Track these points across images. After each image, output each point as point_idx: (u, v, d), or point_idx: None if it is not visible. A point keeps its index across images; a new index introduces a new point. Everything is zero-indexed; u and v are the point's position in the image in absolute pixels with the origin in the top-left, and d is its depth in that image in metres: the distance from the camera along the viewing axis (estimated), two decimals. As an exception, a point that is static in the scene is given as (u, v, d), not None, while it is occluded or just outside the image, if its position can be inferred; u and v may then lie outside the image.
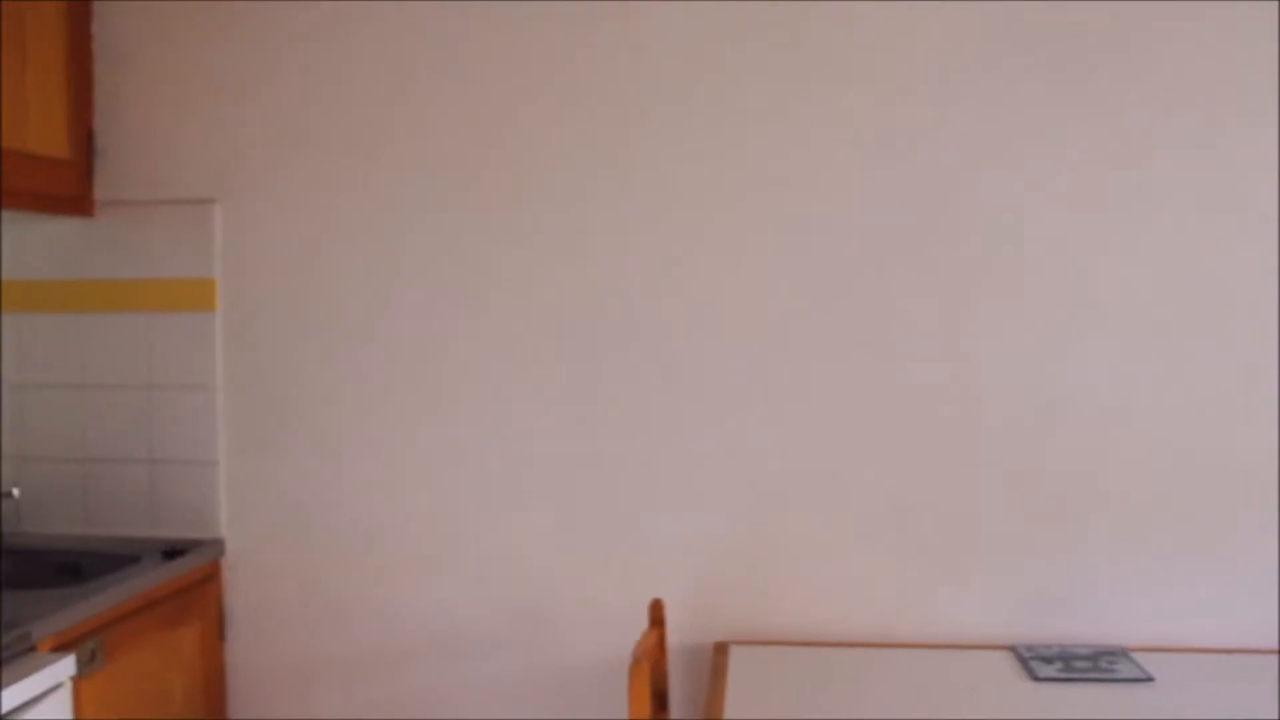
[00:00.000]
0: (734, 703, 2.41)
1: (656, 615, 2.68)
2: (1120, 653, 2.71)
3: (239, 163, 2.96)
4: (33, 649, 2.28)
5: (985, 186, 2.79)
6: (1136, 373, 2.79)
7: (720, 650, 2.77)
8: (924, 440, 2.83)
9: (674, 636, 2.88)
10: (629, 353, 2.87)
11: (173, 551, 2.85)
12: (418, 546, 2.96)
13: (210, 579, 2.96)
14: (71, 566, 2.80)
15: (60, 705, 2.29)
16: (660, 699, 2.70)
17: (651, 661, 2.53)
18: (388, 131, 2.91)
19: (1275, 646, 2.81)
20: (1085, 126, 2.76)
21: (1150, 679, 2.55)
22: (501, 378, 2.91)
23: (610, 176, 2.86)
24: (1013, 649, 2.76)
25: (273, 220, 2.96)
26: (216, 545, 2.97)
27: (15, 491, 2.94)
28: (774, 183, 2.82)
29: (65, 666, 2.30)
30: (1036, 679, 2.54)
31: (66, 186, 2.89)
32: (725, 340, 2.85)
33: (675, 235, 2.85)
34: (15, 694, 2.13)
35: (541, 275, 2.89)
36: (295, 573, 3.00)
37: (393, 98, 2.91)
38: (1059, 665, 2.61)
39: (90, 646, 2.43)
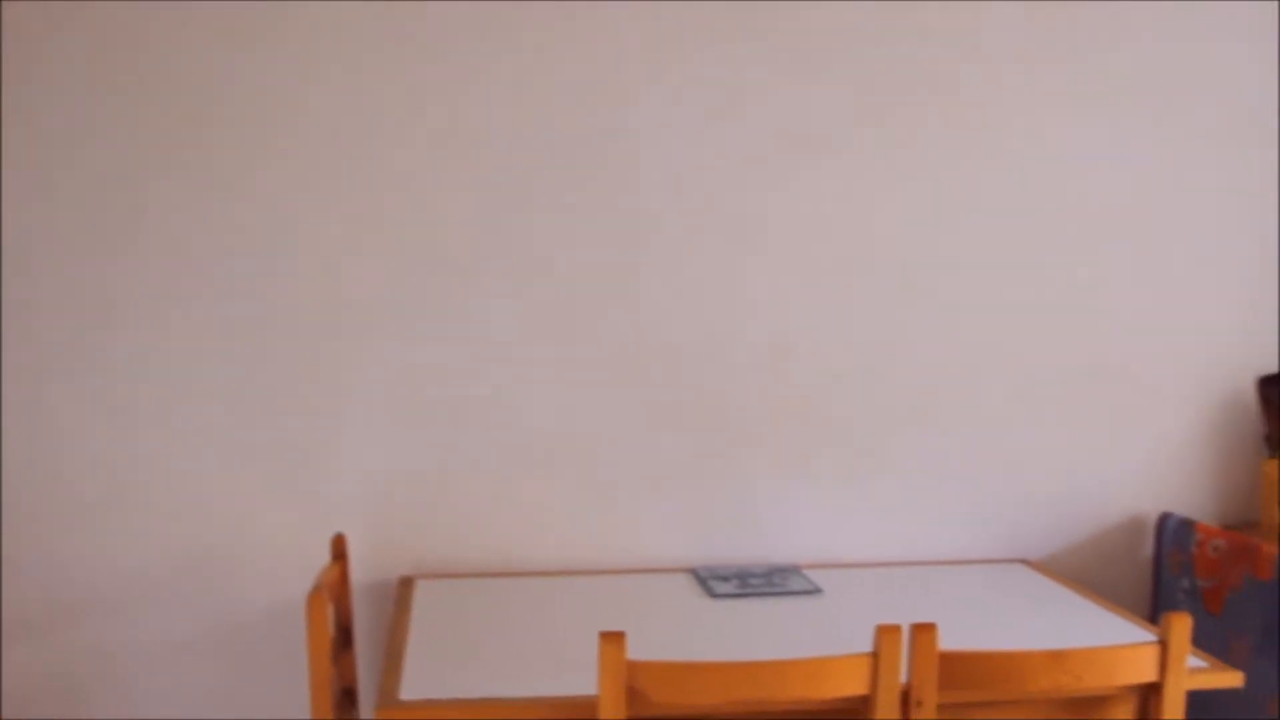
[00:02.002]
0: (417, 634, 2.39)
1: (338, 550, 2.63)
2: (793, 570, 2.84)
3: None
4: None
5: (657, 128, 2.84)
6: (798, 304, 2.92)
7: (405, 584, 2.74)
8: (600, 372, 2.87)
9: (359, 573, 2.83)
10: (301, 285, 2.77)
11: None
12: (76, 493, 2.78)
13: None
14: None
15: None
16: (345, 635, 2.65)
17: (334, 596, 2.48)
18: None
19: (931, 559, 3.01)
20: (762, 76, 2.84)
21: (819, 591, 2.68)
22: (164, 312, 2.75)
23: (271, 104, 2.75)
24: (692, 571, 2.85)
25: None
26: None
27: None
28: (455, 120, 2.78)
29: None
30: (714, 596, 2.63)
31: None
32: (402, 272, 2.79)
33: (346, 168, 2.77)
34: None
35: (204, 209, 2.74)
36: (-58, 523, 2.78)
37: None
38: (735, 583, 2.72)
39: None
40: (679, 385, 2.90)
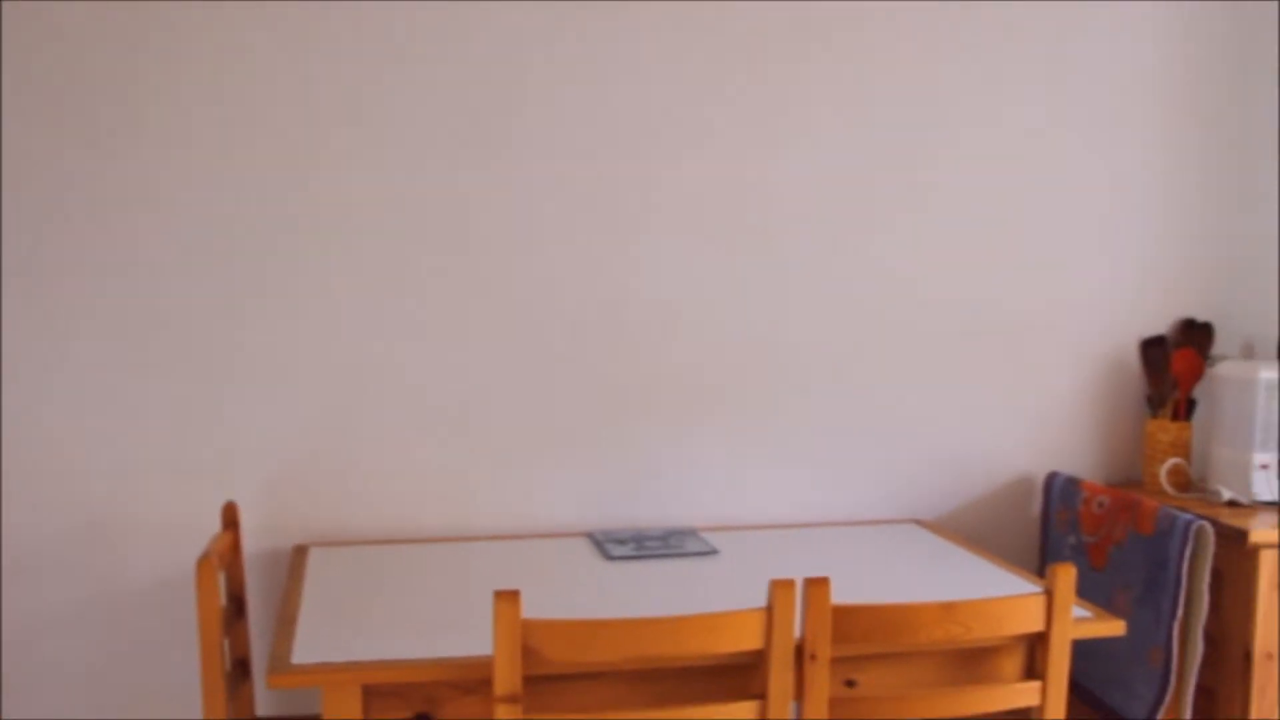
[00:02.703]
0: (311, 601, 2.36)
1: (229, 518, 2.58)
2: (690, 532, 2.86)
3: None
4: None
5: (549, 97, 2.82)
6: (691, 270, 2.93)
7: (299, 552, 2.71)
8: (495, 338, 2.86)
9: (251, 543, 2.79)
10: (187, 247, 2.72)
11: None
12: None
13: None
14: None
15: None
16: (237, 605, 2.61)
17: (225, 565, 2.44)
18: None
19: (826, 520, 3.04)
20: (650, 47, 2.84)
21: (715, 552, 2.70)
22: (45, 274, 2.67)
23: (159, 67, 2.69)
24: (589, 535, 2.85)
25: None
26: None
27: None
28: (342, 83, 2.74)
29: None
30: (611, 558, 2.64)
31: None
32: (295, 233, 2.75)
33: (229, 129, 2.71)
34: None
35: (71, 172, 2.67)
36: None
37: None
38: (632, 545, 2.72)
39: None
40: (574, 351, 2.89)
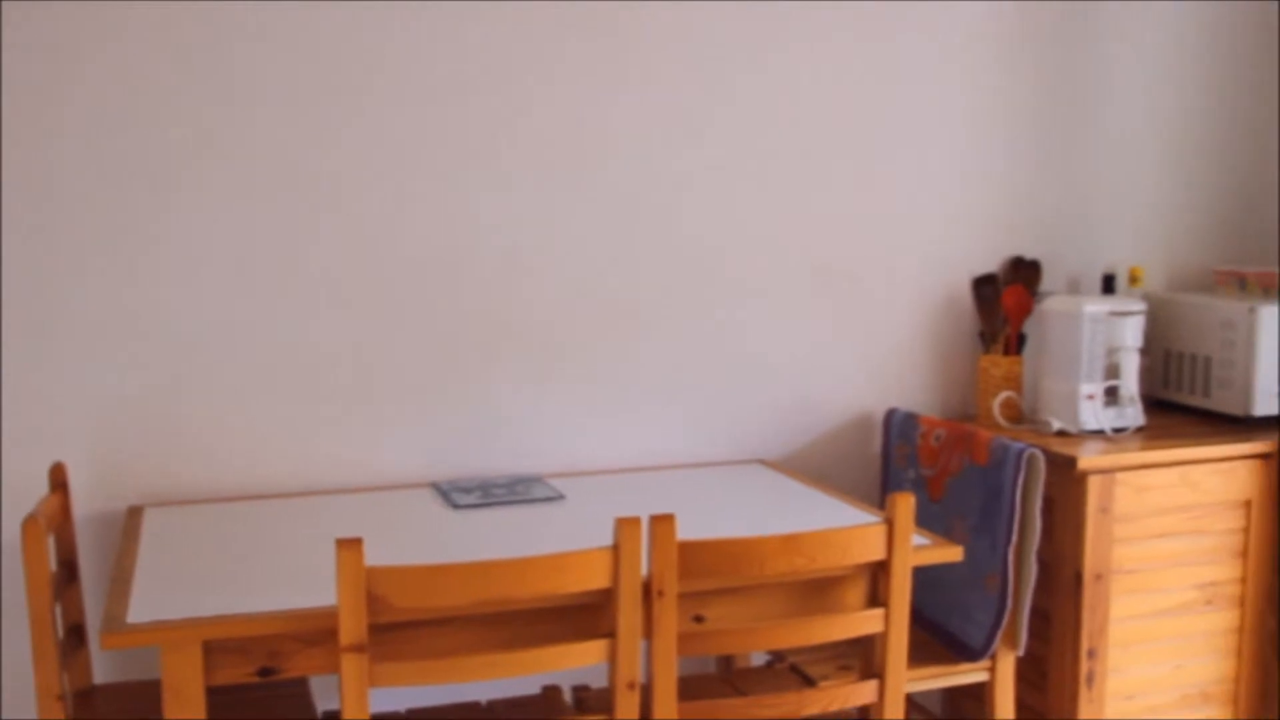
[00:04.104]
0: (146, 561, 2.29)
1: (58, 479, 2.49)
2: (536, 479, 2.85)
3: None
4: None
5: (385, 42, 2.76)
6: (530, 216, 2.90)
7: (134, 513, 2.62)
8: (331, 287, 2.79)
9: (83, 505, 2.68)
10: (13, 198, 2.59)
11: None
12: None
13: None
14: None
15: None
16: (69, 569, 2.52)
17: (54, 528, 2.36)
18: None
19: (672, 463, 3.07)
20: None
21: (562, 497, 2.70)
22: None
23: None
24: (434, 485, 2.82)
25: None
26: None
27: None
28: (166, 33, 2.64)
29: None
30: (456, 507, 2.62)
31: None
32: (119, 185, 2.64)
33: (49, 72, 2.60)
34: None
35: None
36: None
37: None
38: (478, 494, 2.70)
39: None
40: (414, 300, 2.84)
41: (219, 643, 2.02)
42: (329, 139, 2.75)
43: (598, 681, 2.93)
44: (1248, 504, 2.94)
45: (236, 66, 2.68)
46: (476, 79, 2.82)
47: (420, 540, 2.39)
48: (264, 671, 2.06)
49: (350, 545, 1.91)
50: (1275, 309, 3.03)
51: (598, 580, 2.05)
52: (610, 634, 2.09)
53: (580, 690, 2.67)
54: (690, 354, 3.06)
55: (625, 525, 2.04)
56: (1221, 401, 3.12)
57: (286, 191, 2.74)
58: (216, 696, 2.48)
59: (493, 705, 2.63)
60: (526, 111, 2.86)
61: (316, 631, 2.05)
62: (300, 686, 2.61)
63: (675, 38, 2.95)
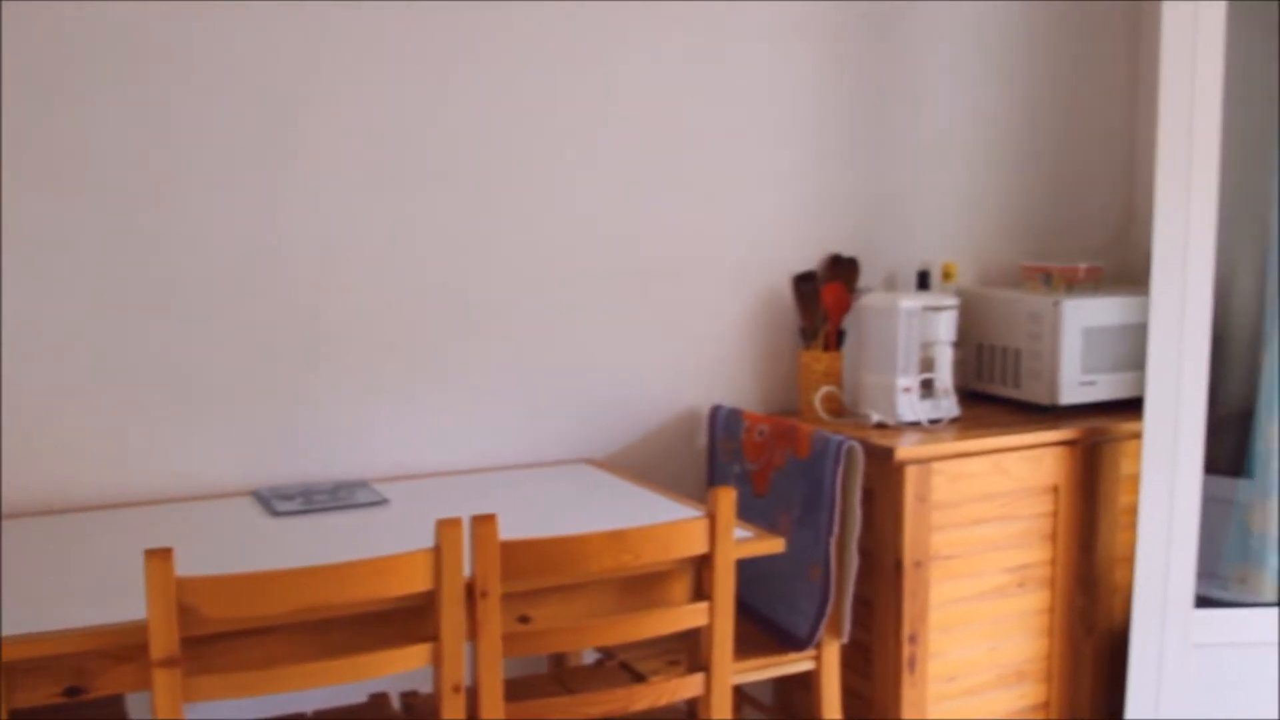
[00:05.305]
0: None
1: None
2: (360, 484, 2.80)
3: None
4: None
5: (195, 24, 2.68)
6: (352, 216, 2.85)
7: (-70, 533, 2.49)
8: (141, 289, 2.69)
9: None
10: None
11: None
12: None
13: None
14: None
15: None
16: None
17: None
18: None
19: (497, 465, 3.05)
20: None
21: (386, 501, 2.66)
22: None
23: None
24: (255, 493, 2.75)
25: None
26: None
27: None
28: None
29: None
30: (276, 514, 2.56)
31: None
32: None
33: None
34: None
35: None
36: None
37: None
38: (299, 500, 2.65)
39: None
40: (230, 303, 2.77)
41: (19, 664, 1.93)
42: (144, 138, 2.65)
43: (427, 687, 2.89)
44: (1055, 489, 3.05)
45: (44, 64, 2.57)
46: (291, 76, 2.76)
47: (238, 549, 2.32)
48: (71, 691, 1.98)
49: (159, 555, 1.85)
50: (1078, 303, 3.16)
51: (419, 583, 2.02)
52: (434, 637, 2.07)
53: (409, 696, 2.64)
54: (516, 355, 3.04)
55: (446, 526, 2.02)
56: (1030, 392, 3.24)
57: (100, 191, 2.63)
58: (22, 719, 2.37)
59: (319, 715, 2.57)
60: (345, 107, 2.81)
61: (126, 647, 1.97)
62: (116, 705, 2.52)
63: (498, 36, 2.93)
